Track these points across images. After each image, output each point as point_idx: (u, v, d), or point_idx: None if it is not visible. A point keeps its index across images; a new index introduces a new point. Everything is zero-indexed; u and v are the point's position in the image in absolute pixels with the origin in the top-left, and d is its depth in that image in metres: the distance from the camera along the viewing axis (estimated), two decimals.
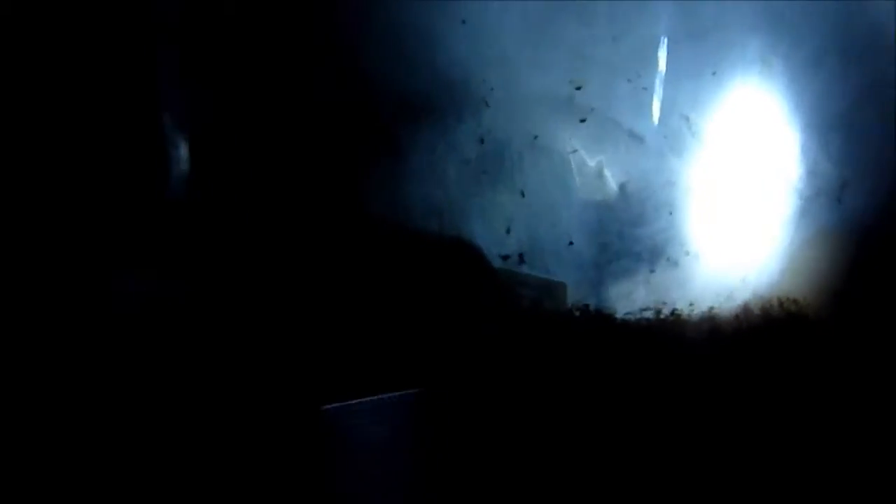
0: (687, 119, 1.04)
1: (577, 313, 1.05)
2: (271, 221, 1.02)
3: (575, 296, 1.09)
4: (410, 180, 1.09)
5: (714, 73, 1.03)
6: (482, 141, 1.08)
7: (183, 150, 1.00)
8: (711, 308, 1.11)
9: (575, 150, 1.05)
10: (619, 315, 1.07)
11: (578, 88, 1.03)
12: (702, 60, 1.02)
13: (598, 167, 1.07)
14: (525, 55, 1.00)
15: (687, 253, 1.05)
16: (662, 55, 1.02)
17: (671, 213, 1.04)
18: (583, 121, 1.07)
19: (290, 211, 1.04)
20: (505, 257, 1.08)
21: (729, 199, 1.11)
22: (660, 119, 1.02)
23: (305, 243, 1.02)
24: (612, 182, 1.08)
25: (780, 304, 1.12)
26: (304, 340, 0.99)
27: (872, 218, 1.14)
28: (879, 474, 1.00)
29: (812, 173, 1.13)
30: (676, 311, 1.08)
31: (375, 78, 1.00)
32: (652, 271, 1.05)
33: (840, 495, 1.01)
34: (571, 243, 1.08)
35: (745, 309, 1.14)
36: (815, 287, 1.13)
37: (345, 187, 1.06)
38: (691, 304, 1.09)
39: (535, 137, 1.08)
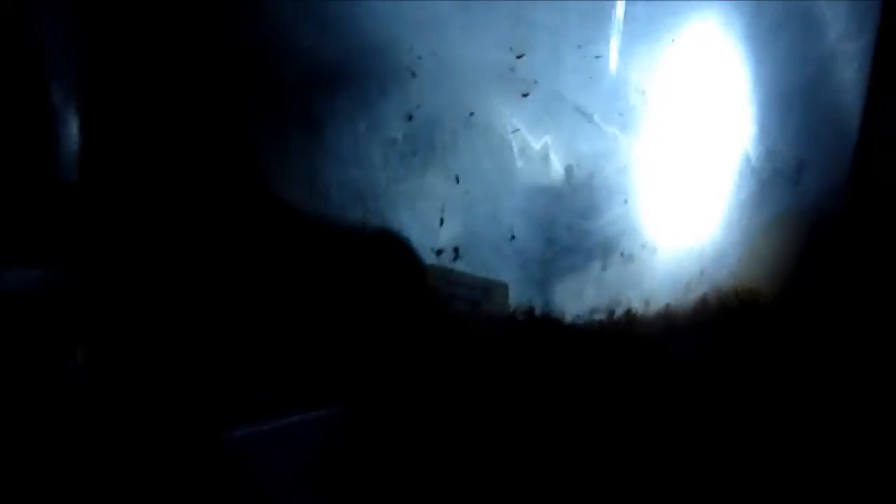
0: (643, 94, 0.89)
1: (521, 317, 0.96)
2: (169, 206, 0.92)
3: (518, 297, 0.98)
4: (327, 162, 0.97)
5: (673, 41, 0.88)
6: (410, 118, 0.97)
7: (73, 127, 0.89)
8: (668, 305, 0.98)
9: (516, 130, 0.96)
10: (568, 317, 0.93)
11: (520, 57, 0.93)
12: (660, 25, 0.87)
13: (543, 149, 0.96)
14: (458, 18, 0.84)
15: (643, 246, 0.92)
16: (617, 18, 0.87)
17: (626, 202, 0.91)
18: (525, 95, 0.95)
19: (189, 196, 0.93)
20: (438, 252, 0.98)
21: (687, 183, 1.02)
22: (613, 93, 0.88)
23: (206, 234, 0.84)
24: (559, 166, 0.97)
25: (738, 294, 1.06)
26: (200, 347, 0.89)
27: (828, 201, 1.11)
28: (844, 462, 0.96)
29: (771, 153, 1.05)
30: (631, 311, 0.94)
31: (282, 40, 0.82)
32: (604, 268, 0.90)
33: (805, 484, 0.96)
34: (514, 237, 0.97)
35: (704, 302, 1.06)
36: (773, 275, 1.09)
37: (250, 168, 0.94)
38: (647, 302, 0.95)
39: (471, 114, 0.96)
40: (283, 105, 0.94)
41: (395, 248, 0.96)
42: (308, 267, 0.91)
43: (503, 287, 0.96)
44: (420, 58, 0.92)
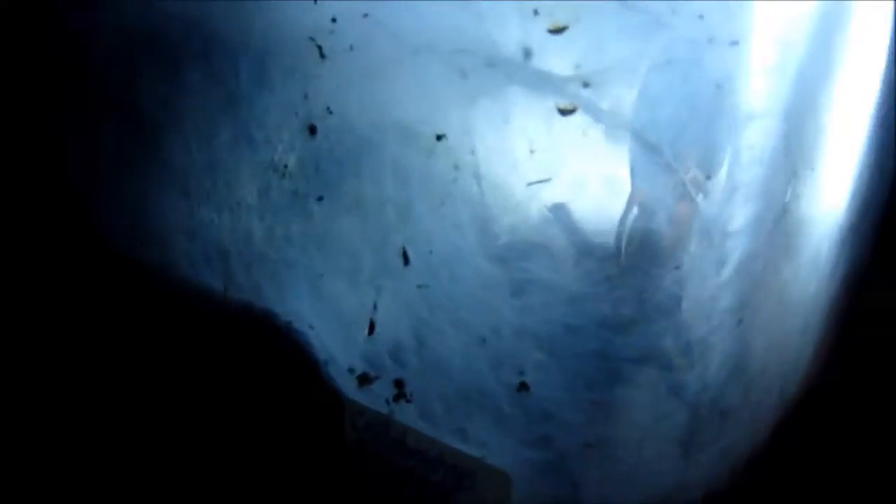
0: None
1: None
2: None
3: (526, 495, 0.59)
4: (163, 191, 0.63)
5: None
6: (312, 129, 0.58)
7: None
8: None
9: (538, 181, 0.54)
10: None
11: (558, 31, 0.52)
12: None
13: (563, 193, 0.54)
14: None
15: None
16: None
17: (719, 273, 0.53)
18: (567, 112, 0.53)
19: None
20: (361, 378, 0.61)
21: None
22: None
23: None
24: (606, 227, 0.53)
25: None
26: None
27: None
28: None
29: None
30: None
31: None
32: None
33: None
34: (522, 376, 0.56)
35: None
36: None
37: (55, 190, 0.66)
38: None
39: (439, 138, 0.55)
40: (92, 89, 0.61)
41: (278, 355, 0.61)
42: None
43: (497, 476, 0.59)
44: (335, 20, 0.55)
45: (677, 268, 0.52)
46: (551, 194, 0.52)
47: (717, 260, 0.53)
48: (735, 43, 0.49)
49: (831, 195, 0.59)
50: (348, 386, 0.61)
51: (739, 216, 0.52)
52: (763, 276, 0.55)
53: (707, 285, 0.53)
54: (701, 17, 0.49)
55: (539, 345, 0.55)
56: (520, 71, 0.52)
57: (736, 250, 0.53)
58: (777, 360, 0.61)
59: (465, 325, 0.57)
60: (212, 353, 0.64)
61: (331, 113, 0.56)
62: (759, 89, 0.50)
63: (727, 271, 0.53)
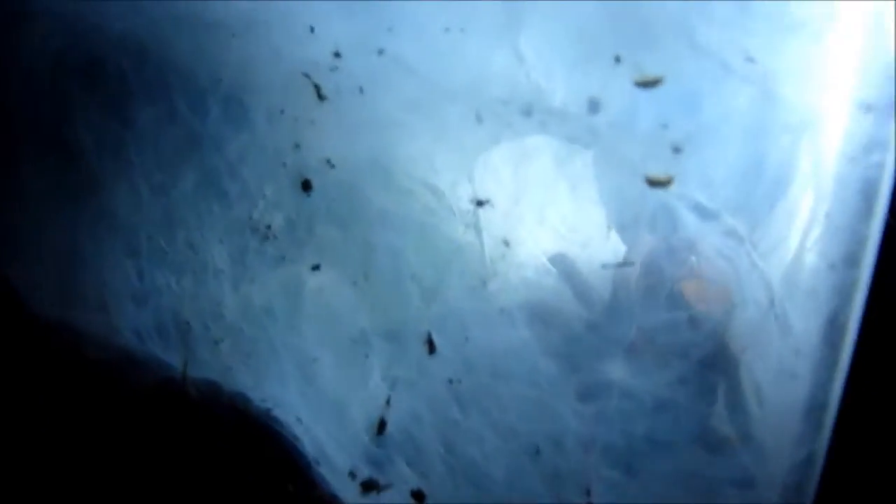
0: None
1: None
2: None
3: None
4: (103, 251, 0.50)
5: None
6: (306, 185, 0.46)
7: None
8: None
9: (624, 264, 0.43)
10: None
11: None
12: None
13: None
14: None
15: None
16: None
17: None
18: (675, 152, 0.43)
19: None
20: (369, 486, 0.50)
21: None
22: None
23: None
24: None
25: None
26: None
27: None
28: None
29: None
30: None
31: None
32: None
33: None
34: (539, 451, 0.46)
35: None
36: None
37: None
38: None
39: (479, 204, 0.44)
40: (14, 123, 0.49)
41: (252, 449, 0.50)
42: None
43: None
44: (338, 55, 0.43)
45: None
46: (630, 280, 0.43)
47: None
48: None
49: None
50: (347, 492, 0.51)
51: None
52: None
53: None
54: None
55: (614, 460, 0.46)
56: (581, 126, 0.41)
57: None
58: None
59: (513, 432, 0.47)
60: (163, 443, 0.52)
61: (332, 166, 0.44)
62: None
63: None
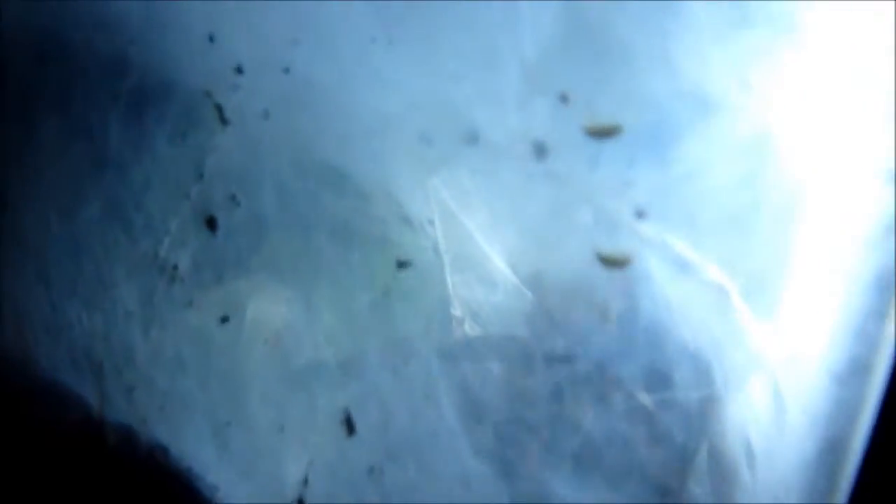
0: None
1: None
2: None
3: None
4: (22, 281, 0.45)
5: None
6: (210, 223, 0.39)
7: None
8: None
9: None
10: None
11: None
12: None
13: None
14: None
15: None
16: None
17: None
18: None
19: None
20: None
21: None
22: None
23: None
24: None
25: None
26: None
27: None
28: None
29: None
30: None
31: None
32: None
33: None
34: None
35: None
36: None
37: None
38: None
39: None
40: None
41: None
42: None
43: None
44: (240, 71, 0.36)
45: None
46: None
47: None
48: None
49: None
50: None
51: None
52: None
53: None
54: None
55: None
56: (527, 171, 0.31)
57: None
58: None
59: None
60: (75, 487, 0.46)
61: (237, 204, 0.37)
62: None
63: None
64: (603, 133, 0.30)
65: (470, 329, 0.36)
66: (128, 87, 0.37)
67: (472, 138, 0.34)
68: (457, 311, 0.35)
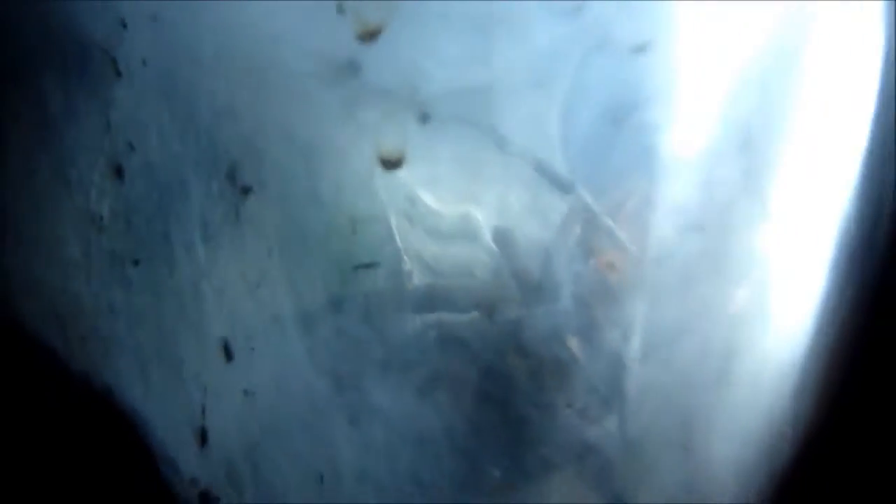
0: None
1: None
2: None
3: None
4: (5, 244, 0.50)
5: None
6: (118, 171, 0.43)
7: None
8: None
9: None
10: None
11: None
12: None
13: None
14: None
15: None
16: None
17: None
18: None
19: None
20: (205, 498, 0.45)
21: None
22: None
23: None
24: None
25: None
26: None
27: None
28: None
29: None
30: None
31: None
32: None
33: None
34: (322, 479, 0.40)
35: None
36: None
37: None
38: None
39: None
40: None
41: (120, 446, 0.46)
42: None
43: None
44: (125, 25, 0.39)
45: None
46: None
47: None
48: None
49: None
50: (192, 500, 0.46)
51: None
52: None
53: None
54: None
55: (382, 497, 0.36)
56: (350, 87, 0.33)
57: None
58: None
59: (299, 457, 0.39)
60: (56, 428, 0.51)
61: (132, 149, 0.41)
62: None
63: None
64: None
65: None
66: (57, 53, 0.43)
67: None
68: None
